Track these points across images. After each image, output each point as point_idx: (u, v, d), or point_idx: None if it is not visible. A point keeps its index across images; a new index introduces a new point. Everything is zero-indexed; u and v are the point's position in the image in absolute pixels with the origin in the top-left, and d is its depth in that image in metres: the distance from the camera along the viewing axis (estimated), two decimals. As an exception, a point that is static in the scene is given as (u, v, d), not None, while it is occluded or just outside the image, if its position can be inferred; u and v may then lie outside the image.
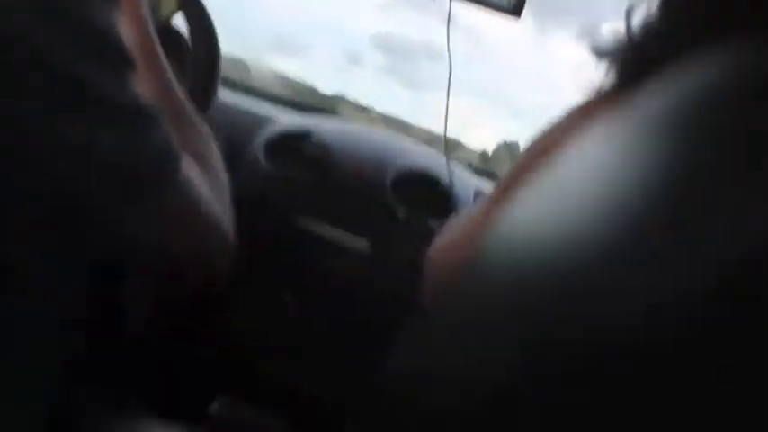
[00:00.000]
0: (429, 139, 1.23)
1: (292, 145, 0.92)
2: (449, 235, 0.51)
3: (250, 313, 0.91)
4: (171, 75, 0.55)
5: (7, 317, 0.44)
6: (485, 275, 0.24)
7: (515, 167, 0.46)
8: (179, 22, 0.74)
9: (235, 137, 0.87)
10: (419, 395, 0.24)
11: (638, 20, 0.40)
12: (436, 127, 1.11)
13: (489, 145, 1.79)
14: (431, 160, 0.95)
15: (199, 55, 0.71)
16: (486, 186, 1.00)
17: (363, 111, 1.71)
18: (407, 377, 0.26)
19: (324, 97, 1.79)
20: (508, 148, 1.74)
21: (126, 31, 0.47)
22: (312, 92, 1.80)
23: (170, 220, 0.45)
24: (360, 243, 0.88)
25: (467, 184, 0.96)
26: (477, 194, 0.95)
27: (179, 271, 0.53)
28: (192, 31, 0.72)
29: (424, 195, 0.91)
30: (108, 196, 0.41)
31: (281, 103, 1.12)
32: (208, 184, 0.49)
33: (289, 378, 0.91)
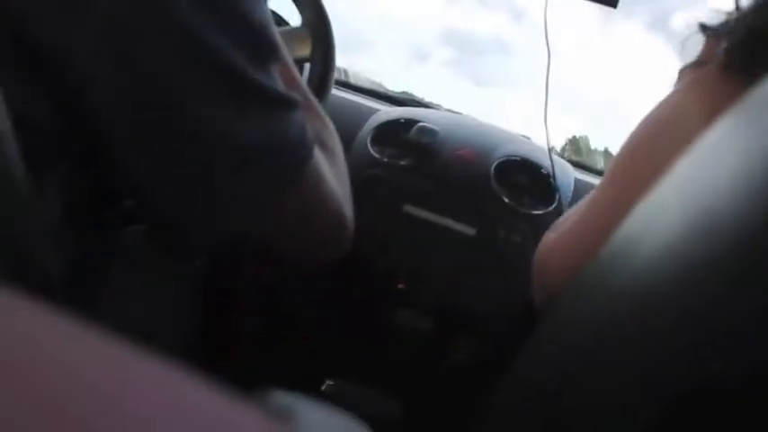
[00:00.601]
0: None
1: (398, 133, 0.94)
2: (563, 226, 0.50)
3: (359, 296, 0.94)
4: (296, 70, 0.57)
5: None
6: (634, 270, 0.23)
7: (626, 156, 0.46)
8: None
9: (341, 128, 0.89)
10: (567, 394, 0.23)
11: None
12: (502, 123, 1.13)
13: (558, 140, 1.79)
14: (531, 149, 0.97)
15: (316, 58, 0.73)
16: (582, 176, 1.02)
17: (430, 108, 1.72)
18: (551, 375, 0.26)
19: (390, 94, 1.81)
20: (580, 141, 1.74)
21: None
22: (378, 89, 1.82)
23: (301, 208, 0.46)
24: (466, 228, 0.90)
25: (567, 172, 0.97)
26: (577, 183, 0.96)
27: (299, 255, 0.54)
28: (313, 38, 0.73)
29: (527, 182, 0.92)
30: (246, 182, 0.42)
31: (377, 97, 1.15)
32: (332, 172, 0.51)
33: (397, 359, 0.94)
